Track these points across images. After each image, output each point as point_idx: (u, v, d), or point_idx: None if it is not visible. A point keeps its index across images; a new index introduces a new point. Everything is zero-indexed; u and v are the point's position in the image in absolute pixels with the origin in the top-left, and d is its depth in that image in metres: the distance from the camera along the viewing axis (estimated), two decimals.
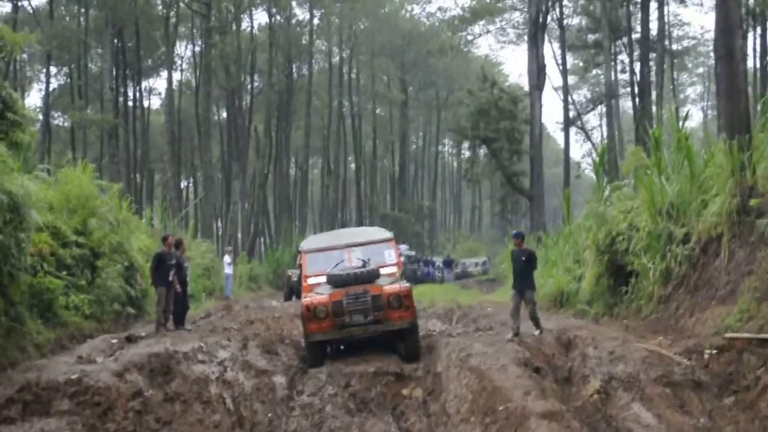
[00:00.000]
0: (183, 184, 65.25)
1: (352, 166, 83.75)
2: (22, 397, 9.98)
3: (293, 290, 28.72)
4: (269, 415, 11.63)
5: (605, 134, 57.57)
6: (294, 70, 70.39)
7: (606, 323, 18.04)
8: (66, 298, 15.79)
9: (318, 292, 14.08)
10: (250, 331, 16.63)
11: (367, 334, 13.64)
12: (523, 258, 15.33)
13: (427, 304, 25.76)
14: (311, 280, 14.92)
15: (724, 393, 11.27)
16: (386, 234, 16.26)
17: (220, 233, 60.24)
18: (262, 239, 63.80)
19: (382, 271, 14.65)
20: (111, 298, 18.37)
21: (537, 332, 14.92)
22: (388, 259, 15.31)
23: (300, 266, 27.22)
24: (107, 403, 10.17)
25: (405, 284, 14.08)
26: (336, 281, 13.83)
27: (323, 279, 14.52)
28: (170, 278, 16.45)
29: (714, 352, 12.44)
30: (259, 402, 11.85)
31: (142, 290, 20.05)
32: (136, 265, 20.32)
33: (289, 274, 31.05)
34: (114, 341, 14.29)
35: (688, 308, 15.98)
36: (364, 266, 14.25)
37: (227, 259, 32.36)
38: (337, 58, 77.82)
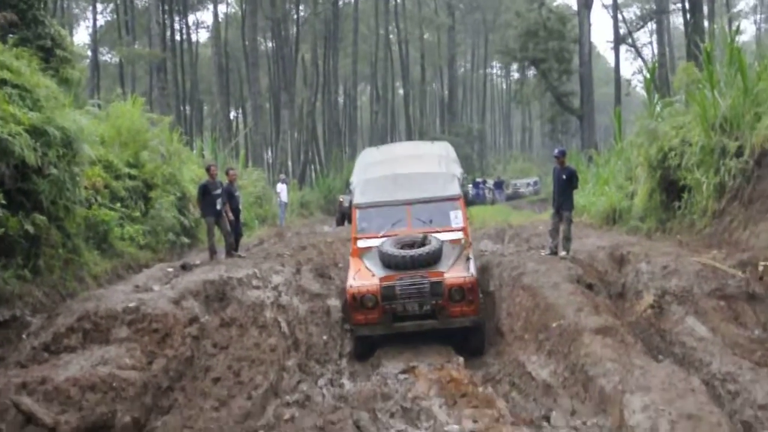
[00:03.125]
0: (232, 114, 65.48)
1: (401, 91, 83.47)
2: (81, 325, 10.10)
3: (345, 215, 28.84)
4: (324, 337, 11.72)
5: (656, 51, 56.87)
6: None
7: (659, 239, 17.88)
8: (121, 230, 15.96)
9: (366, 273, 11.50)
10: (303, 256, 16.72)
11: (422, 329, 11.18)
12: (564, 176, 15.05)
13: (478, 225, 25.66)
14: (361, 243, 12.42)
15: None
16: (455, 191, 13.01)
17: (270, 162, 60.48)
18: (312, 166, 63.98)
19: (445, 236, 12.10)
20: (165, 228, 18.54)
21: (563, 253, 14.68)
22: (454, 221, 12.60)
23: (351, 192, 27.12)
24: (165, 330, 10.28)
25: (471, 271, 11.24)
26: (389, 261, 11.28)
27: (376, 242, 12.02)
28: (218, 207, 16.35)
29: None
30: (313, 325, 11.93)
31: (195, 220, 20.19)
32: (189, 196, 20.47)
33: (341, 199, 31.14)
34: (169, 270, 14.41)
35: (742, 221, 15.78)
36: (424, 242, 11.57)
37: (282, 187, 32.51)
38: None
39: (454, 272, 11.11)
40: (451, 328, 11.11)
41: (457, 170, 13.89)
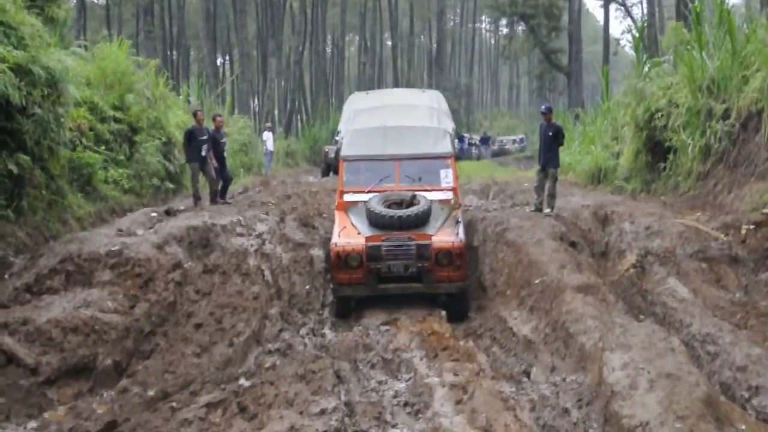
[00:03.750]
0: (219, 61, 65.04)
1: (389, 43, 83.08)
2: (64, 267, 10.10)
3: (330, 166, 28.81)
4: (307, 287, 11.73)
5: (645, 10, 56.54)
6: None
7: (643, 199, 17.97)
8: (105, 173, 15.89)
9: (352, 231, 11.09)
10: (288, 205, 16.69)
11: (406, 292, 10.77)
12: (550, 133, 15.00)
13: (464, 180, 25.68)
14: (348, 197, 11.96)
15: (761, 268, 11.24)
16: (447, 148, 12.50)
17: (257, 110, 60.23)
18: (298, 116, 63.74)
19: (434, 195, 11.63)
20: (149, 173, 18.48)
21: (548, 210, 14.70)
22: (444, 180, 12.12)
23: (337, 142, 27.02)
24: (147, 275, 10.29)
25: (460, 236, 10.83)
26: (376, 221, 10.83)
27: (363, 198, 11.55)
28: (203, 153, 16.29)
29: (751, 227, 12.37)
30: (296, 274, 11.93)
31: (180, 165, 20.11)
32: (174, 141, 20.39)
33: (326, 150, 31.06)
34: (153, 215, 14.38)
35: (727, 184, 15.84)
36: (412, 202, 11.10)
37: (268, 135, 32.45)
38: None
39: (442, 236, 10.78)
40: (437, 292, 10.80)
41: (449, 125, 13.47)
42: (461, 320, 10.91)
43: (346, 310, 10.84)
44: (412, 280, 10.62)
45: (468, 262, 11.02)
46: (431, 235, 10.63)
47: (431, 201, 11.31)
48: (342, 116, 14.43)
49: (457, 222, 11.32)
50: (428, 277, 10.55)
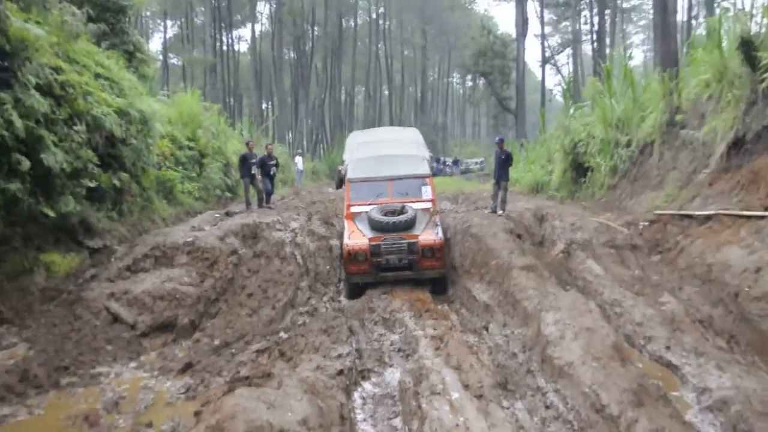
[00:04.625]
0: (263, 105, 64.84)
1: (386, 92, 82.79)
2: (153, 253, 10.16)
3: (342, 180, 28.80)
4: (327, 267, 11.76)
5: (571, 69, 56.64)
6: (343, 22, 68.91)
7: (569, 204, 17.97)
8: (182, 186, 15.95)
9: (359, 234, 10.89)
10: (313, 209, 16.72)
11: (400, 278, 10.62)
12: (503, 157, 15.15)
13: (439, 191, 25.58)
14: (354, 209, 11.87)
15: (653, 253, 11.28)
16: (425, 170, 12.51)
17: (290, 141, 60.11)
18: (321, 145, 63.58)
19: (418, 205, 11.55)
20: (214, 186, 18.53)
21: (500, 212, 14.77)
22: (425, 194, 12.06)
23: (344, 163, 26.86)
24: (213, 258, 10.34)
25: (439, 235, 10.76)
26: (376, 226, 10.81)
27: (365, 209, 11.51)
28: (252, 172, 16.30)
29: (646, 224, 12.42)
30: (320, 258, 11.97)
31: (236, 180, 20.13)
32: (231, 163, 20.40)
33: (339, 168, 30.97)
34: (216, 216, 14.42)
35: (629, 194, 15.92)
36: (402, 211, 11.08)
37: (299, 159, 32.56)
38: (375, 14, 76.21)
39: (426, 235, 10.69)
40: (423, 278, 10.68)
41: (426, 153, 13.19)
42: (441, 294, 10.77)
43: (356, 294, 10.62)
44: (405, 268, 10.56)
45: (445, 253, 10.82)
46: (417, 235, 10.60)
47: (416, 210, 11.26)
48: (346, 148, 14.35)
49: (436, 224, 11.21)
50: (416, 266, 10.52)
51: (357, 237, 10.70)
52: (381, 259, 10.46)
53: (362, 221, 11.22)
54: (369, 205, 11.48)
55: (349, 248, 10.44)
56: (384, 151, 12.99)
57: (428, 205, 11.76)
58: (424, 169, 12.43)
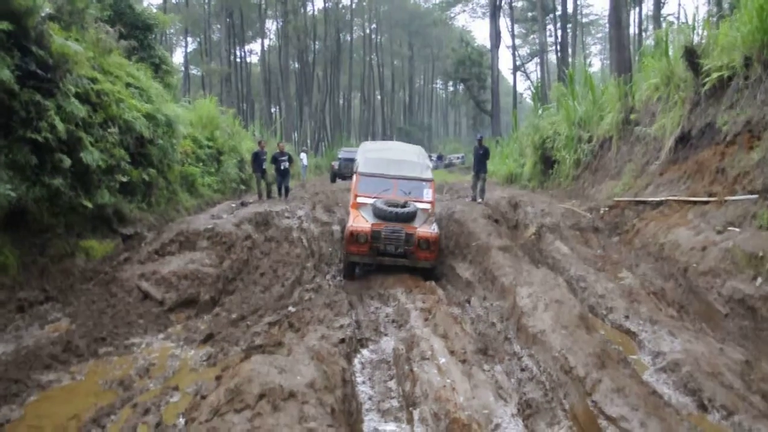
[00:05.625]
0: (272, 109, 64.58)
1: (379, 97, 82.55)
2: (178, 239, 10.07)
3: (335, 174, 28.81)
4: (330, 249, 11.70)
5: (539, 75, 56.59)
6: (341, 37, 68.60)
7: (539, 193, 17.98)
8: (202, 179, 15.86)
9: (362, 219, 10.49)
10: (317, 198, 16.62)
11: (395, 264, 10.09)
12: (481, 152, 15.22)
13: None
14: (360, 199, 11.16)
15: (612, 234, 11.29)
16: (429, 176, 11.83)
17: (296, 140, 59.95)
18: (323, 143, 63.31)
19: (419, 205, 10.95)
20: (230, 179, 18.46)
21: (480, 200, 14.76)
22: (426, 196, 11.32)
23: (339, 159, 26.67)
24: (230, 243, 10.25)
25: (435, 230, 10.26)
26: (379, 214, 10.32)
27: (370, 200, 10.94)
28: (263, 167, 16.21)
29: (606, 209, 12.42)
30: (323, 241, 11.88)
31: (249, 174, 20.03)
32: (245, 160, 20.30)
33: (333, 164, 30.82)
34: (233, 205, 14.31)
35: (591, 183, 15.91)
36: (405, 205, 10.58)
37: (303, 155, 32.46)
38: (368, 30, 75.93)
39: (424, 228, 10.20)
40: (416, 266, 10.05)
41: (430, 164, 12.60)
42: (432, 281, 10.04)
43: (351, 273, 10.25)
44: (400, 256, 10.07)
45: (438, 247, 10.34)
46: (416, 228, 10.14)
47: (417, 207, 10.77)
48: (357, 153, 13.40)
49: (434, 222, 10.85)
50: (411, 256, 10.02)
51: (360, 222, 10.31)
52: (380, 244, 10.02)
53: (367, 211, 10.73)
54: (374, 198, 11.00)
55: (352, 229, 10.01)
56: (393, 156, 12.39)
57: (428, 206, 11.22)
58: (429, 174, 11.86)
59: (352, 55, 72.94)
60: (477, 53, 54.73)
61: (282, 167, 16.50)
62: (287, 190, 16.73)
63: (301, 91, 61.23)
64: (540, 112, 23.24)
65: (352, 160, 27.06)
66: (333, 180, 29.08)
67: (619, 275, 8.82)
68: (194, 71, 63.51)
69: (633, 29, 43.32)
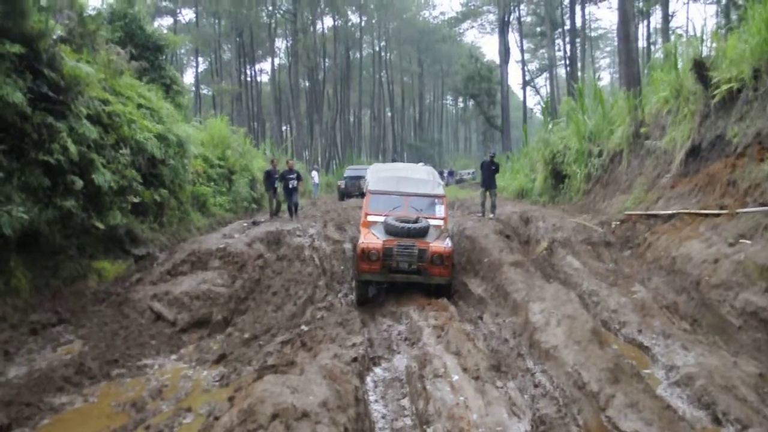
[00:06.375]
0: (283, 128, 64.96)
1: (389, 114, 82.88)
2: (190, 258, 10.15)
3: (342, 194, 28.88)
4: (341, 268, 11.72)
5: (548, 90, 56.77)
6: (350, 55, 69.05)
7: (550, 207, 17.95)
8: (214, 199, 16.00)
9: (373, 236, 10.07)
10: (328, 217, 16.67)
11: (408, 281, 9.74)
12: (493, 167, 15.34)
13: None
14: (371, 218, 10.85)
15: (624, 248, 11.23)
16: (441, 192, 11.60)
17: (307, 158, 60.25)
18: (334, 161, 63.58)
19: (431, 222, 10.59)
20: (241, 199, 18.59)
21: (491, 215, 14.81)
22: (438, 212, 11.07)
23: (345, 178, 26.69)
24: (242, 262, 10.31)
25: (448, 245, 9.87)
26: (391, 231, 9.94)
27: (381, 218, 10.56)
28: (275, 186, 16.31)
29: (617, 223, 12.38)
30: (335, 260, 11.91)
31: (261, 193, 20.15)
32: (256, 179, 20.41)
33: (339, 183, 30.95)
34: (244, 225, 14.41)
35: (602, 197, 15.86)
36: (417, 221, 10.30)
37: (315, 173, 32.61)
38: (378, 47, 76.44)
39: (437, 244, 9.83)
40: (430, 283, 9.72)
41: (441, 181, 12.35)
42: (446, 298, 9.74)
43: (365, 296, 9.90)
44: (414, 273, 9.72)
45: (452, 263, 10.05)
46: (429, 243, 9.79)
47: (429, 223, 10.44)
48: (368, 173, 13.19)
49: (447, 237, 10.43)
50: (425, 272, 9.68)
51: (371, 238, 10.00)
52: (392, 261, 9.70)
53: (378, 228, 10.44)
54: (385, 215, 10.69)
55: (363, 246, 9.70)
56: (404, 174, 12.19)
57: (440, 222, 10.94)
58: (440, 191, 11.62)
59: (362, 73, 73.32)
60: (486, 69, 54.80)
61: (290, 185, 16.42)
62: (296, 206, 16.68)
63: (312, 109, 61.60)
64: (550, 126, 23.27)
65: (358, 179, 27.21)
66: (341, 199, 29.22)
67: (632, 289, 8.79)
68: (205, 91, 64.10)
69: (642, 43, 43.49)
